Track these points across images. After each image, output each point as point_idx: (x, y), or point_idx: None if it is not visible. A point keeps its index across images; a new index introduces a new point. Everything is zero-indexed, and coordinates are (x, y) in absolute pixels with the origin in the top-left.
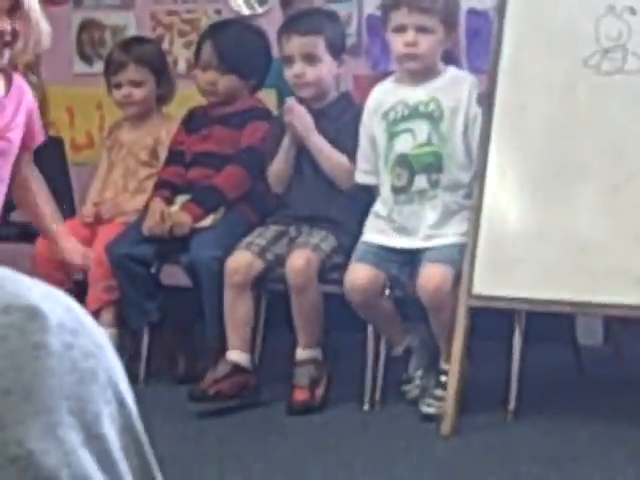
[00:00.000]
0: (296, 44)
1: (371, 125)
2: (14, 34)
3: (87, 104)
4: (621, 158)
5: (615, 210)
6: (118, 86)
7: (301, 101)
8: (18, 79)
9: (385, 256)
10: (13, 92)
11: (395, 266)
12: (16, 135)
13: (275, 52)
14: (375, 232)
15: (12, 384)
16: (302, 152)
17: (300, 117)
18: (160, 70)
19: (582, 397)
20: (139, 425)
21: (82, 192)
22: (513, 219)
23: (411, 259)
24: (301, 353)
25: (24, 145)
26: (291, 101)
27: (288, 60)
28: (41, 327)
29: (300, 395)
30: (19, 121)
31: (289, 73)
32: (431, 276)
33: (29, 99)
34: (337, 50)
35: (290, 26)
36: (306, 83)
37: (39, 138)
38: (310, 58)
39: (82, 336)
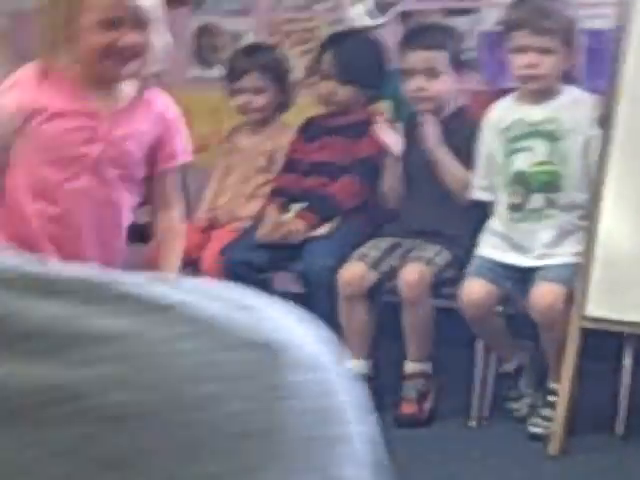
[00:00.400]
0: (419, 57)
1: (490, 141)
2: (143, 46)
3: (203, 108)
4: None
5: None
6: (239, 92)
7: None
8: (152, 91)
9: (500, 272)
10: (141, 103)
11: (509, 282)
12: (136, 146)
13: (392, 64)
14: (490, 248)
15: (254, 426)
16: (419, 165)
17: (433, 128)
18: (281, 78)
19: None
20: (376, 460)
21: (196, 196)
22: (628, 242)
23: (524, 277)
24: (410, 366)
25: (161, 161)
26: (382, 114)
27: (409, 73)
28: (283, 364)
29: (408, 408)
30: (143, 131)
31: (409, 86)
32: (544, 295)
33: (164, 112)
34: (457, 65)
35: (413, 39)
36: (426, 97)
37: (182, 156)
38: (432, 72)
39: (323, 371)
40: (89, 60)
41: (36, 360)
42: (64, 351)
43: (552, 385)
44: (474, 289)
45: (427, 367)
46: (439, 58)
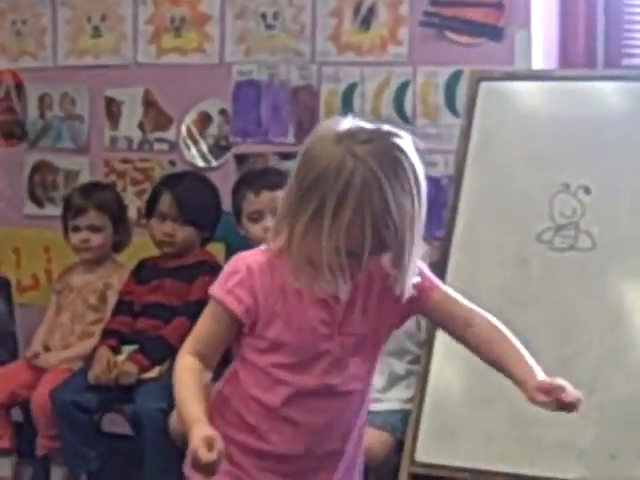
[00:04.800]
0: (266, 198)
1: None
2: None
3: (35, 246)
4: (570, 332)
5: None
6: (76, 230)
7: None
8: None
9: None
10: None
11: None
12: None
13: (226, 206)
14: None
15: None
16: None
17: None
18: (118, 217)
19: None
20: None
21: (25, 334)
22: (458, 387)
23: None
24: None
25: None
26: None
27: (256, 214)
28: None
29: None
30: None
31: (257, 228)
32: (369, 441)
33: None
34: None
35: (255, 182)
36: None
37: None
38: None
39: None
40: None
41: None
42: None
43: None
44: None
45: None
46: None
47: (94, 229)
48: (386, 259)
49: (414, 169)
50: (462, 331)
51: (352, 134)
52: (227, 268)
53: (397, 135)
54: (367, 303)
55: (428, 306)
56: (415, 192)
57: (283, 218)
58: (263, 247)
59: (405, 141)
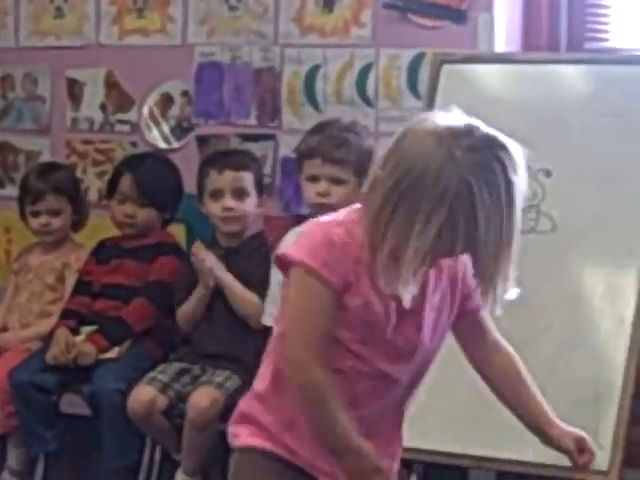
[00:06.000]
0: (228, 178)
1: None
2: None
3: None
4: (530, 315)
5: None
6: (36, 214)
7: (215, 238)
8: None
9: None
10: None
11: None
12: None
13: (187, 188)
14: None
15: None
16: (213, 290)
17: (207, 259)
18: (75, 198)
19: None
20: None
21: None
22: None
23: None
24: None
25: None
26: (197, 244)
27: (216, 194)
28: None
29: None
30: None
31: (216, 206)
32: None
33: None
34: (260, 189)
35: (219, 161)
36: (235, 217)
37: None
38: (240, 193)
39: None
40: None
41: None
42: None
43: None
44: None
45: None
46: (246, 179)
47: (53, 213)
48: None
49: (509, 185)
50: (488, 356)
51: (454, 134)
52: (315, 237)
53: (504, 148)
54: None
55: (470, 320)
56: (505, 209)
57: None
58: (334, 215)
59: (510, 154)
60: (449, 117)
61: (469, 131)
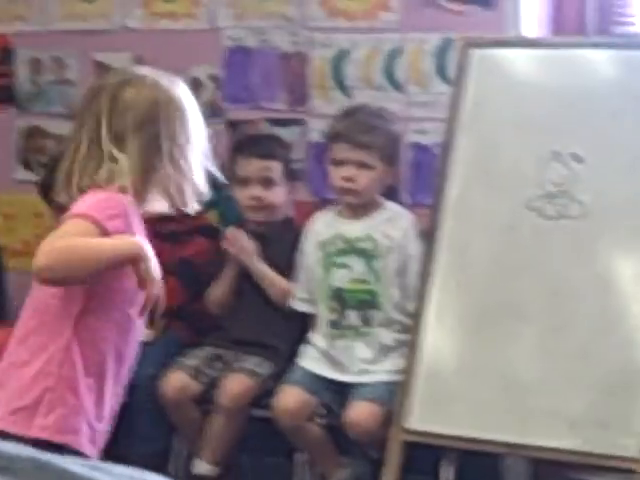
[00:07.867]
0: (254, 167)
1: (310, 254)
2: None
3: (26, 211)
4: (561, 301)
5: (552, 352)
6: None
7: (245, 224)
8: None
9: (318, 383)
10: None
11: (327, 394)
12: None
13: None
14: (310, 360)
15: None
16: (244, 276)
17: (242, 245)
18: None
19: None
20: None
21: (18, 299)
22: (449, 356)
23: (343, 391)
24: (203, 467)
25: None
26: (231, 230)
27: (243, 182)
28: None
29: None
30: None
31: (244, 194)
32: (358, 413)
33: None
34: (289, 176)
35: (246, 148)
36: (262, 206)
37: None
38: (267, 182)
39: None
40: None
41: None
42: None
43: None
44: (288, 398)
45: (215, 471)
46: (273, 168)
47: None
48: None
49: None
50: None
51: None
52: None
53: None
54: None
55: None
56: None
57: None
58: None
59: None
60: None
61: None
